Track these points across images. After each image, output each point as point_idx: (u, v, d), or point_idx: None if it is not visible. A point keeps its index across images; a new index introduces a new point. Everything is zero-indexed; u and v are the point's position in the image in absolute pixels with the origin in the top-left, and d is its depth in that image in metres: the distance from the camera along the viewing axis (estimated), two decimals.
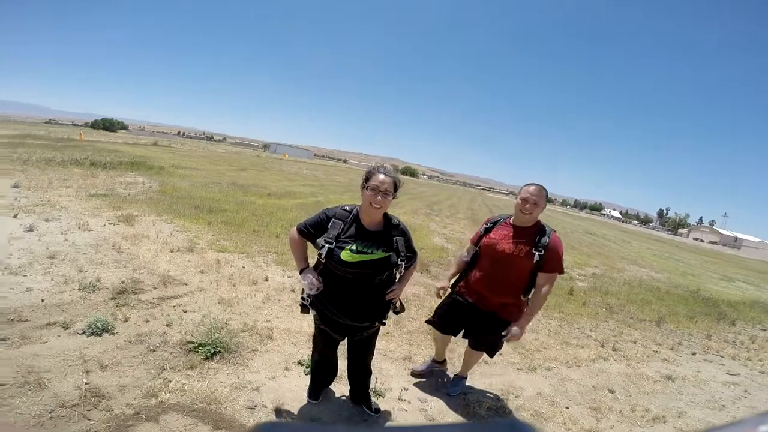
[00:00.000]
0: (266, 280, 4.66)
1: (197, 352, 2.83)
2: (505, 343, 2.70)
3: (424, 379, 3.10)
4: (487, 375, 3.39)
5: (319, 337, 2.37)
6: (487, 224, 2.75)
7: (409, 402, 2.80)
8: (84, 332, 2.86)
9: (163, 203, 7.90)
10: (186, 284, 4.12)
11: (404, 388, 2.92)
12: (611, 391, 3.46)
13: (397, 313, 2.32)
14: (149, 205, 7.58)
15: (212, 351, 2.83)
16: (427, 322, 3.05)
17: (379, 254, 2.05)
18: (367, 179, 2.06)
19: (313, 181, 21.80)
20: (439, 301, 2.93)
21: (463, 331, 2.85)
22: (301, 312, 2.25)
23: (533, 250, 2.48)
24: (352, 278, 2.06)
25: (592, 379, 3.66)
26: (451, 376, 3.18)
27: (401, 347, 3.56)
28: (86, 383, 2.34)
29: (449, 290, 2.88)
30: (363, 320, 2.18)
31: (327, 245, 2.02)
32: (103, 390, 2.31)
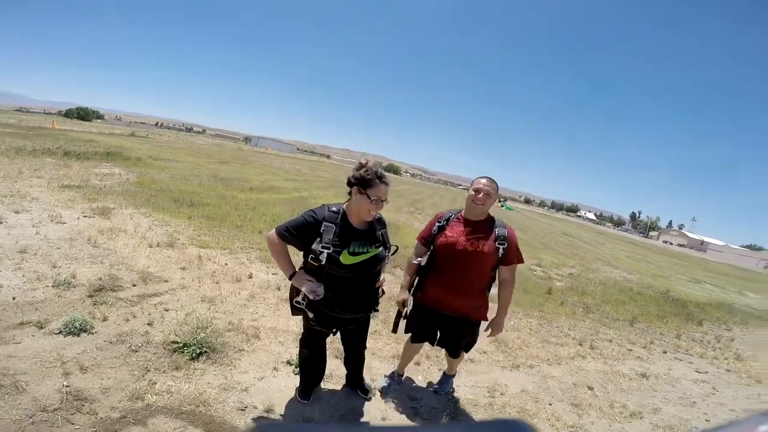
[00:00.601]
0: (250, 277, 4.58)
1: (182, 352, 2.76)
2: (481, 337, 2.69)
3: (411, 379, 3.13)
4: (473, 373, 3.45)
5: (309, 335, 2.37)
6: (439, 221, 2.53)
7: (400, 400, 2.82)
8: (60, 332, 2.74)
9: (141, 196, 7.64)
10: (167, 281, 4.00)
11: (394, 389, 2.93)
12: (590, 388, 3.58)
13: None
14: (126, 197, 7.32)
15: (198, 351, 2.76)
16: (407, 331, 2.75)
17: (373, 251, 2.12)
18: (365, 185, 2.01)
19: (296, 176, 21.55)
20: (400, 312, 2.63)
21: (437, 338, 2.71)
22: (293, 315, 2.24)
23: (497, 244, 2.39)
24: (348, 276, 2.08)
25: (572, 376, 3.77)
26: (439, 374, 3.19)
27: (389, 345, 3.58)
28: (66, 386, 2.24)
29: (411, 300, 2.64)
30: (360, 311, 2.24)
31: (326, 251, 1.98)
32: (86, 393, 2.22)
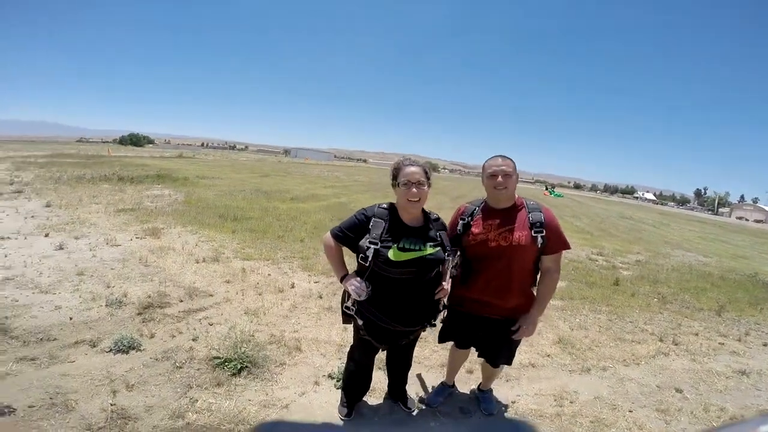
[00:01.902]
0: (292, 286, 4.50)
1: (224, 368, 2.69)
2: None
3: (462, 390, 2.83)
4: (536, 380, 3.09)
5: (358, 347, 2.22)
6: (462, 218, 2.21)
7: (450, 415, 2.55)
8: (111, 350, 2.81)
9: (188, 214, 7.94)
10: (212, 295, 4.01)
11: (443, 401, 2.68)
12: (678, 390, 3.10)
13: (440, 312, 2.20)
14: (175, 216, 7.63)
15: (239, 366, 2.69)
16: (441, 341, 2.48)
17: (427, 250, 1.94)
18: (395, 176, 1.99)
19: (335, 183, 21.81)
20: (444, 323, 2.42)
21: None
22: (344, 323, 2.12)
23: (533, 233, 2.06)
24: (401, 279, 1.91)
25: (654, 377, 3.29)
26: (474, 390, 2.79)
27: (437, 353, 3.29)
28: (112, 404, 2.27)
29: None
30: (414, 324, 2.05)
31: (372, 246, 1.89)
32: (130, 411, 2.24)
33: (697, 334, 4.36)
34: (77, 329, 3.07)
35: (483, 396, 2.68)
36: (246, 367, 2.71)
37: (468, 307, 2.24)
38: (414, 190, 1.91)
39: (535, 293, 2.23)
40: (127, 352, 2.81)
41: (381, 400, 2.59)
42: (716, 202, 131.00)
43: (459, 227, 2.20)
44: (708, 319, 4.97)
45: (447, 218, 2.27)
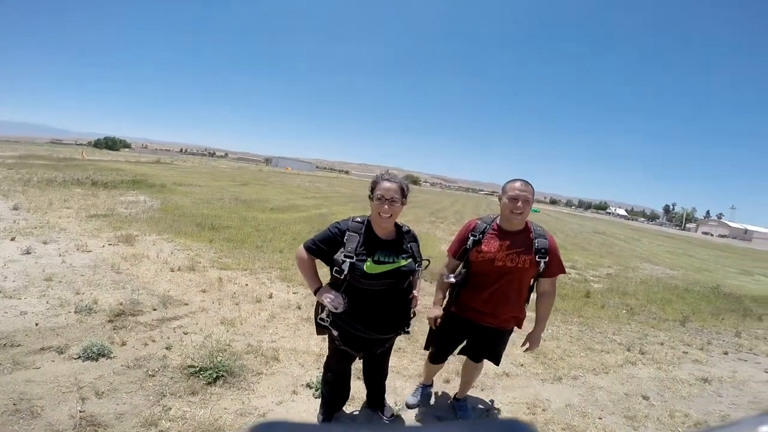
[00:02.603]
0: (270, 297, 4.46)
1: (199, 376, 2.65)
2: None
3: (441, 394, 2.88)
4: (510, 388, 3.16)
5: (334, 356, 2.23)
6: (474, 234, 2.30)
7: (425, 422, 2.60)
8: (79, 357, 2.73)
9: (164, 222, 7.76)
10: (187, 304, 3.93)
11: (422, 410, 2.73)
12: (645, 398, 3.23)
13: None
14: (150, 224, 7.44)
15: (215, 375, 2.64)
16: (428, 346, 2.62)
17: (400, 262, 2.01)
18: (372, 189, 2.02)
19: (315, 193, 21.70)
20: (432, 329, 2.50)
21: (460, 347, 2.56)
22: (318, 334, 2.14)
23: (537, 258, 2.21)
24: (375, 290, 1.97)
25: (622, 385, 3.42)
26: (451, 401, 2.86)
27: (415, 363, 3.34)
28: (81, 411, 2.20)
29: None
30: (389, 331, 2.11)
31: (348, 260, 1.92)
32: (99, 418, 2.17)
33: (662, 344, 4.56)
34: (43, 335, 2.96)
35: (459, 405, 2.76)
36: (222, 376, 2.67)
37: (468, 315, 2.37)
38: (386, 206, 1.95)
39: (525, 308, 2.42)
40: (97, 360, 2.72)
41: (359, 409, 2.60)
42: (684, 217, 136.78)
43: (469, 243, 2.29)
44: (673, 329, 5.21)
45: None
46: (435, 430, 0.33)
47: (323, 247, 2.00)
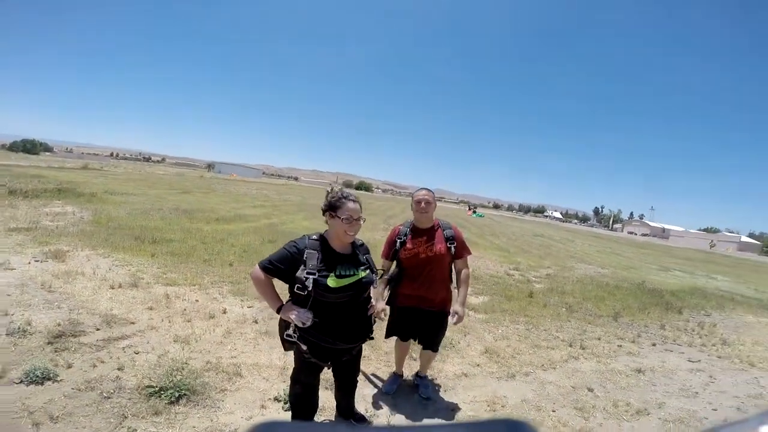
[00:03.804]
0: (224, 312, 4.27)
1: (159, 396, 2.52)
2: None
3: (394, 398, 3.02)
4: (470, 388, 3.32)
5: (302, 369, 2.24)
6: (399, 237, 2.88)
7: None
8: (22, 381, 2.52)
9: (97, 235, 7.11)
10: (133, 323, 3.68)
11: (392, 413, 2.81)
12: (590, 390, 3.52)
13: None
14: (81, 238, 6.79)
15: (177, 395, 2.53)
16: (388, 336, 3.07)
17: (360, 274, 2.12)
18: (334, 208, 2.09)
19: (264, 202, 20.99)
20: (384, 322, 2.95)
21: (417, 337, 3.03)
22: (286, 350, 2.16)
23: (448, 245, 2.81)
24: (339, 302, 2.04)
25: (569, 379, 3.71)
26: (414, 376, 3.29)
27: (380, 370, 3.41)
28: None
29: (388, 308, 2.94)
30: (355, 340, 2.19)
31: (311, 276, 1.98)
32: None
33: (599, 339, 4.99)
34: None
35: (421, 382, 3.17)
36: (185, 395, 2.57)
37: (410, 302, 2.85)
38: (354, 224, 2.08)
39: (451, 288, 2.96)
40: (42, 383, 2.53)
41: (332, 419, 2.62)
42: (611, 219, 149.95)
43: (397, 245, 2.87)
44: (607, 324, 5.72)
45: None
46: (435, 430, 0.33)
47: (280, 266, 2.03)
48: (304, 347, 2.06)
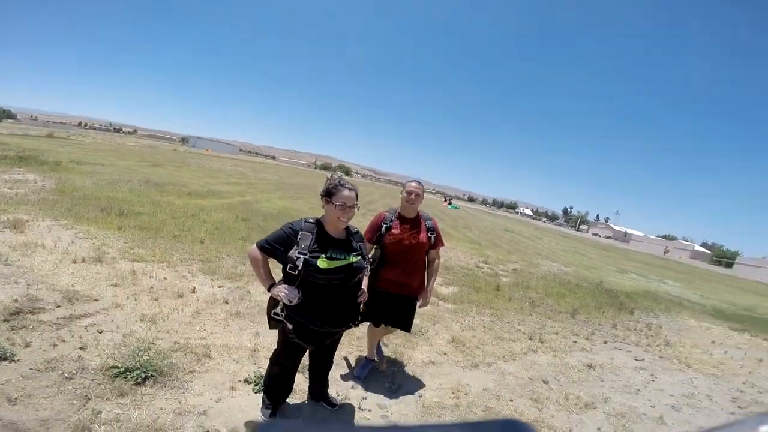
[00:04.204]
0: (194, 291, 4.21)
1: (125, 377, 2.49)
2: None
3: (365, 383, 3.14)
4: (436, 375, 3.47)
5: (284, 350, 2.30)
6: (385, 222, 2.99)
7: (371, 411, 2.80)
8: None
9: (60, 205, 6.78)
10: (97, 300, 3.57)
11: (363, 397, 2.91)
12: (545, 382, 3.73)
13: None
14: (43, 207, 6.47)
15: (143, 375, 2.51)
16: (362, 321, 3.14)
17: (351, 259, 2.19)
18: (330, 194, 2.17)
19: (239, 179, 20.52)
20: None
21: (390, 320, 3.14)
22: (271, 328, 2.24)
23: (428, 234, 3.01)
24: (328, 285, 2.11)
25: (527, 371, 3.92)
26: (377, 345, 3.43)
27: (352, 355, 3.50)
28: None
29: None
30: (341, 324, 2.27)
31: (302, 256, 2.05)
32: (21, 426, 1.99)
33: (557, 334, 5.27)
34: None
35: (365, 363, 3.31)
36: (151, 376, 2.54)
37: (388, 287, 2.96)
38: (348, 211, 2.16)
39: (424, 275, 3.15)
40: None
41: (300, 401, 2.69)
42: (578, 220, 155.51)
43: (382, 229, 2.97)
44: (565, 320, 6.02)
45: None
46: (434, 429, 0.34)
47: (278, 246, 2.11)
48: (290, 326, 2.12)
